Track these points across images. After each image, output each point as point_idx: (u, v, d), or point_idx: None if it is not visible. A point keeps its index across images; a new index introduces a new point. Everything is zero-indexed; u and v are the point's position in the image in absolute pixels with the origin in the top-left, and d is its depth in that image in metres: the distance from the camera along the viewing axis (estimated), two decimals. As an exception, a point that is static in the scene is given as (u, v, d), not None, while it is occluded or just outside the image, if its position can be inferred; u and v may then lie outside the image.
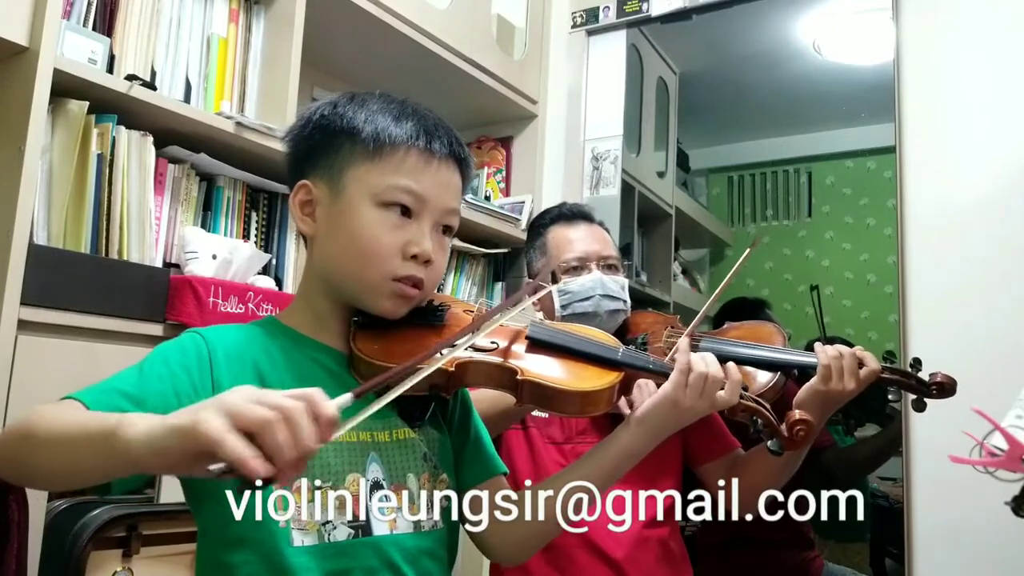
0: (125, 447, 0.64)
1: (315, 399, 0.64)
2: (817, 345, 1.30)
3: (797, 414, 0.98)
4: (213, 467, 0.59)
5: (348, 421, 0.70)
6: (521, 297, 1.01)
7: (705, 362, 0.97)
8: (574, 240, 1.58)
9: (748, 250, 1.41)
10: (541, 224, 1.65)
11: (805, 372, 1.31)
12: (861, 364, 1.28)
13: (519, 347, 0.99)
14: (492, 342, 0.97)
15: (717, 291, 1.44)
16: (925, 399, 1.28)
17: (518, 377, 0.94)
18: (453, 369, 0.92)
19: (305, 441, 0.62)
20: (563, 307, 1.52)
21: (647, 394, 1.03)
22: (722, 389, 0.97)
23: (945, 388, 1.27)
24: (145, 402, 0.79)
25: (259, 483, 0.60)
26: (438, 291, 1.08)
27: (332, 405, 0.65)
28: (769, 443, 1.00)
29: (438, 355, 0.88)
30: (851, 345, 1.32)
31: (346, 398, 0.70)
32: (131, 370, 0.84)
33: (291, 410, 0.62)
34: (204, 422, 0.60)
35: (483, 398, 1.11)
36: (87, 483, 0.74)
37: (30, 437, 0.73)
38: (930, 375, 1.28)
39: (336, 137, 0.94)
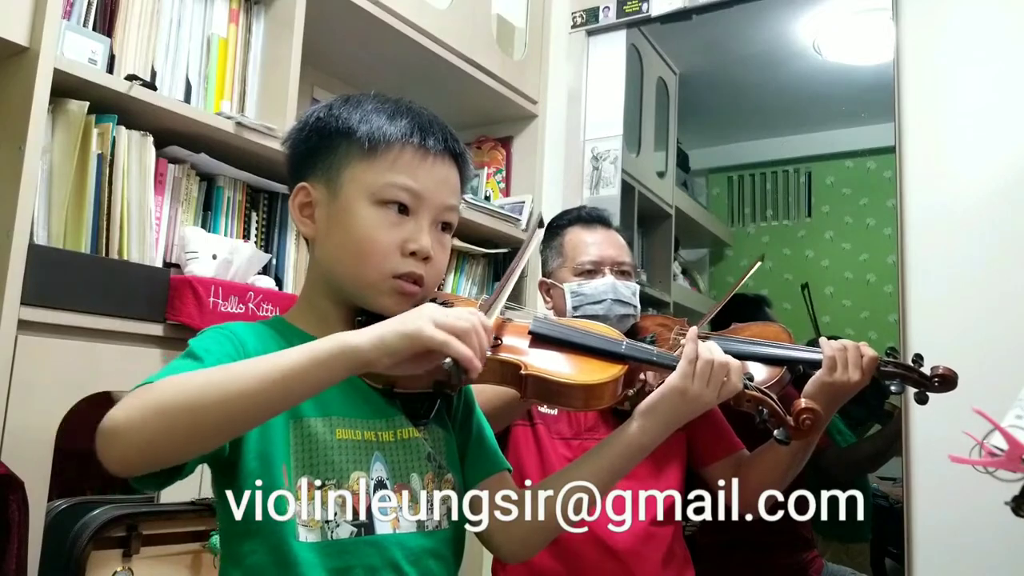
0: (360, 352, 0.76)
1: (480, 314, 0.83)
2: (822, 340, 1.32)
3: (803, 403, 0.97)
4: (446, 361, 0.77)
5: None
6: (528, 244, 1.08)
7: (709, 350, 0.97)
8: (590, 244, 1.60)
9: (758, 263, 1.44)
10: (559, 224, 1.66)
11: (808, 369, 1.32)
12: (863, 356, 1.29)
13: (523, 342, 0.99)
14: (496, 338, 0.97)
15: (724, 298, 1.46)
16: (927, 392, 1.29)
17: (522, 372, 0.94)
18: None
19: (487, 344, 0.81)
20: (575, 308, 1.54)
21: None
22: (728, 376, 0.97)
23: (947, 380, 1.27)
24: None
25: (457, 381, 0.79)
26: (440, 290, 1.08)
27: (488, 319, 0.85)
28: (776, 433, 0.98)
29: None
30: None
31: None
32: (179, 362, 0.83)
33: (477, 322, 0.80)
34: (428, 329, 0.77)
35: (483, 392, 1.12)
36: (273, 414, 0.78)
37: (187, 402, 0.73)
38: (932, 368, 1.29)
39: (332, 138, 0.95)
